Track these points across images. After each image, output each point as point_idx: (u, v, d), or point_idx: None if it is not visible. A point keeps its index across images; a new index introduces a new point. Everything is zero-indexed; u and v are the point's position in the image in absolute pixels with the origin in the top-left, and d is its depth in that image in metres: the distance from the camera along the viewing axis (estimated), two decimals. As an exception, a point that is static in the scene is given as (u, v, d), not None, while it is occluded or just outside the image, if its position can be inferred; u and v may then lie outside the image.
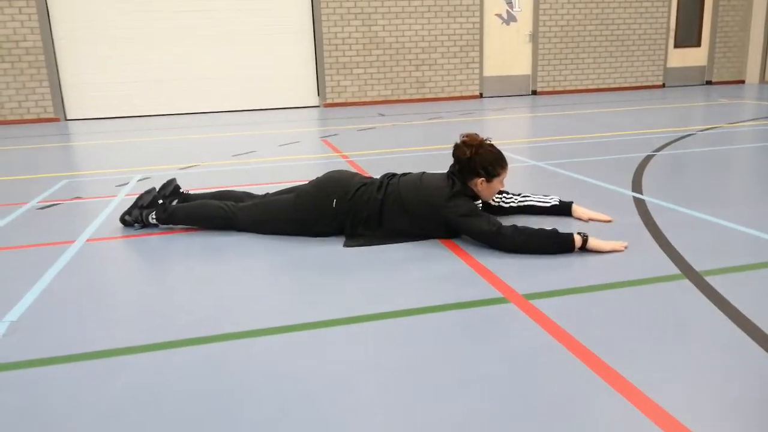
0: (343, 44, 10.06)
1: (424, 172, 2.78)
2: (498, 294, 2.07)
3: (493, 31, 10.73)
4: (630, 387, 1.47)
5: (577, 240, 2.44)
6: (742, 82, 11.95)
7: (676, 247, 2.47)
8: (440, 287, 2.17)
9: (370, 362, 1.66)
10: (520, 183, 3.76)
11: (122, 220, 3.06)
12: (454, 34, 10.46)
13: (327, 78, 10.11)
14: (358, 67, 10.20)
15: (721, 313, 1.86)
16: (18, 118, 9.18)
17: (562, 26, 10.93)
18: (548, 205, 2.97)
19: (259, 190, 3.20)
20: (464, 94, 10.71)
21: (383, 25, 10.14)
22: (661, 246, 2.50)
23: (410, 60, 10.37)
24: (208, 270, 2.46)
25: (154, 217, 3.00)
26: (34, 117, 9.23)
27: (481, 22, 10.56)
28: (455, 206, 2.56)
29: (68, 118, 9.45)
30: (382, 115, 8.57)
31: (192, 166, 4.87)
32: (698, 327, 1.79)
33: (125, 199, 3.72)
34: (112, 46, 9.34)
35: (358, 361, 1.66)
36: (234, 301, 2.13)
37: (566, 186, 3.68)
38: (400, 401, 1.46)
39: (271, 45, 9.86)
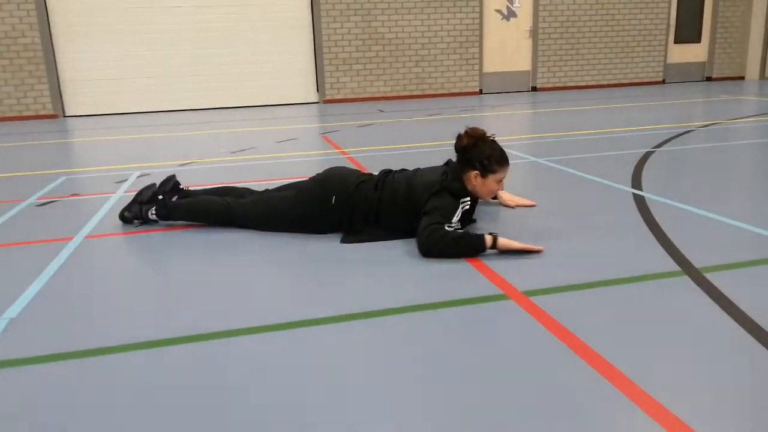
0: (343, 40, 10.04)
1: (419, 168, 2.77)
2: (497, 291, 2.07)
3: (492, 26, 10.71)
4: (629, 384, 1.47)
5: (488, 240, 2.39)
6: (743, 78, 11.94)
7: (675, 243, 2.47)
8: (439, 284, 2.16)
9: (368, 360, 1.65)
10: (519, 180, 3.76)
11: (122, 216, 3.05)
12: (454, 30, 10.43)
13: (326, 74, 10.10)
14: (357, 63, 10.18)
15: (721, 310, 1.86)
16: (17, 114, 9.17)
17: (562, 22, 10.91)
18: None
19: (258, 186, 3.20)
20: (464, 90, 10.69)
21: (383, 21, 10.12)
22: (660, 242, 2.49)
23: (410, 56, 10.35)
24: (206, 267, 2.45)
25: (154, 212, 2.99)
26: (33, 113, 9.21)
27: (481, 18, 10.53)
28: (430, 201, 2.50)
29: (67, 114, 9.44)
30: (382, 111, 8.56)
31: (191, 163, 4.86)
32: (698, 324, 1.78)
33: (124, 195, 3.71)
34: (110, 43, 9.32)
35: (356, 358, 1.66)
36: (232, 298, 2.13)
37: (565, 182, 3.67)
38: (398, 399, 1.46)
39: (271, 41, 9.84)
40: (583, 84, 11.27)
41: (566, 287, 2.08)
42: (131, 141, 6.49)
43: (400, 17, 10.17)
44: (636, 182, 3.57)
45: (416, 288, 2.14)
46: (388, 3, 10.07)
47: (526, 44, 10.94)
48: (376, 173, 2.85)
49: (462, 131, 2.64)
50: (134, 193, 3.14)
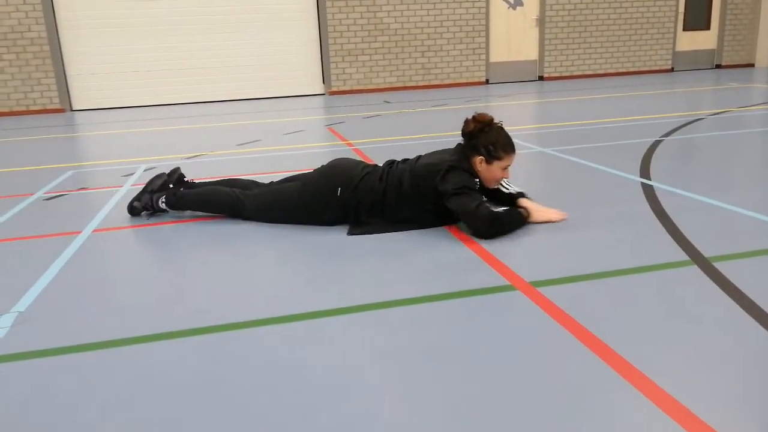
0: (348, 31, 10.00)
1: (420, 155, 2.76)
2: (505, 281, 2.06)
3: (499, 16, 10.63)
4: (638, 374, 1.46)
5: (525, 215, 2.62)
6: (752, 65, 11.81)
7: (684, 232, 2.45)
8: (446, 275, 2.16)
9: (375, 351, 1.65)
10: (526, 170, 3.74)
11: (130, 207, 3.06)
12: (460, 20, 10.36)
13: (332, 65, 10.06)
14: (363, 54, 10.14)
15: (731, 299, 1.84)
16: (24, 109, 9.21)
17: (569, 10, 10.81)
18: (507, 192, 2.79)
19: (264, 178, 3.20)
20: (470, 80, 10.64)
21: (388, 11, 10.06)
22: (669, 232, 2.47)
23: (416, 46, 10.30)
24: (215, 259, 2.46)
25: (164, 201, 3.00)
26: (40, 108, 9.25)
27: (487, 7, 10.45)
28: (447, 180, 2.51)
29: (74, 108, 9.47)
30: (388, 102, 8.53)
31: (197, 156, 4.87)
32: (707, 313, 1.77)
33: (131, 189, 3.72)
34: (116, 36, 9.33)
35: (363, 349, 1.66)
36: (240, 290, 2.13)
37: (573, 172, 3.65)
38: (406, 390, 1.46)
39: (276, 33, 9.82)
40: (591, 73, 11.18)
41: (574, 277, 2.07)
42: (138, 134, 6.51)
43: (406, 7, 10.11)
44: (644, 172, 3.54)
45: (423, 279, 2.13)
46: (394, -7, 10.01)
47: (533, 33, 10.85)
48: (380, 164, 2.84)
49: (469, 117, 2.63)
50: (141, 187, 3.15)
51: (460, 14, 10.33)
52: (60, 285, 2.24)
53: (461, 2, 10.29)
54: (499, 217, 2.49)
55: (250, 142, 5.42)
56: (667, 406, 1.34)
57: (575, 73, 11.12)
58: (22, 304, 2.07)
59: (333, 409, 1.39)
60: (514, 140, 2.68)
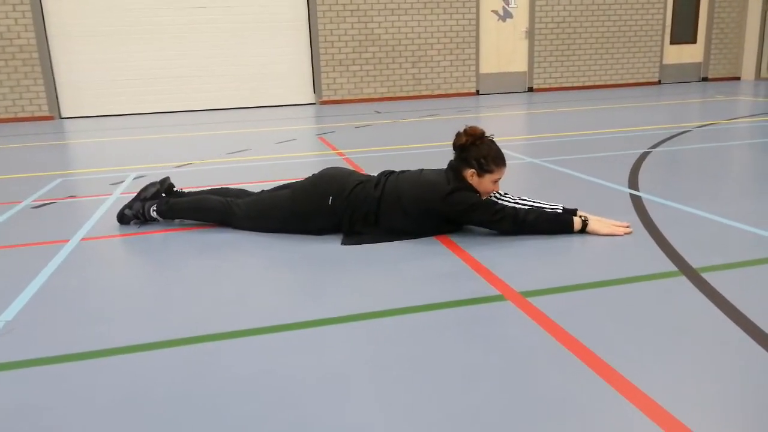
0: (339, 41, 10.04)
1: (423, 169, 2.77)
2: (495, 292, 2.07)
3: (489, 27, 10.73)
4: (627, 384, 1.47)
5: (577, 224, 2.60)
6: (738, 78, 11.98)
7: (672, 243, 2.47)
8: (438, 285, 2.16)
9: (366, 361, 1.65)
10: (516, 181, 3.76)
11: (120, 215, 3.04)
12: (450, 31, 10.44)
13: (323, 75, 10.09)
14: (354, 64, 10.18)
15: (718, 309, 1.86)
16: (12, 116, 9.14)
17: (558, 23, 10.93)
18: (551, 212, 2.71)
19: (255, 187, 3.19)
20: (460, 91, 10.70)
21: (379, 22, 10.12)
22: (657, 243, 2.50)
23: (406, 57, 10.36)
24: (204, 268, 2.44)
25: (155, 209, 2.98)
26: (29, 115, 9.18)
27: (477, 19, 10.55)
28: (455, 203, 2.56)
29: (63, 116, 9.41)
30: (379, 112, 8.55)
31: (187, 164, 4.85)
32: (695, 324, 1.78)
33: (120, 197, 3.70)
34: (106, 44, 9.31)
35: (355, 359, 1.66)
36: (230, 299, 2.12)
37: (562, 183, 3.68)
38: (396, 400, 1.45)
39: (267, 42, 9.83)
40: (579, 85, 11.29)
41: (564, 288, 2.08)
42: (127, 143, 6.48)
43: (397, 18, 10.17)
44: (633, 183, 3.57)
45: (414, 289, 2.13)
46: (384, 4, 10.07)
47: (523, 45, 10.96)
48: (374, 174, 2.85)
49: (461, 130, 2.65)
50: (130, 196, 3.13)
51: (451, 26, 10.42)
52: (47, 294, 2.21)
53: (451, 14, 10.37)
54: (519, 215, 2.57)
55: (241, 151, 5.42)
56: (657, 415, 1.34)
57: (564, 85, 11.22)
58: (9, 313, 2.04)
59: (323, 420, 1.39)
60: (504, 151, 2.70)
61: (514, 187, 3.44)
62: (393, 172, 2.81)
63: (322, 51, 9.99)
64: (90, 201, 3.70)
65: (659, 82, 11.63)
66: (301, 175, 3.35)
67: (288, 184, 2.98)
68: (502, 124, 6.94)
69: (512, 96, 10.45)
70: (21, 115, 9.16)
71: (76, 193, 3.98)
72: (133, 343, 1.80)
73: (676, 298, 1.96)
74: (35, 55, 9.00)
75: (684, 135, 5.31)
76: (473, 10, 10.44)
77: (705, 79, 11.89)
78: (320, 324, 1.88)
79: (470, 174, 2.61)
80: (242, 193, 3.05)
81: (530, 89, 11.12)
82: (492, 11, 10.66)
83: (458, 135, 2.64)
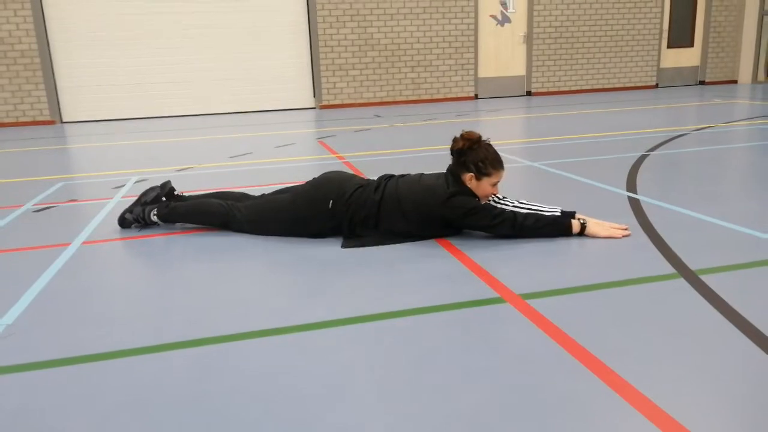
0: (339, 46, 10.07)
1: (422, 174, 2.79)
2: (494, 294, 2.08)
3: (487, 32, 10.76)
4: (626, 385, 1.48)
5: (575, 226, 2.61)
6: (735, 81, 12.02)
7: (670, 245, 2.49)
8: (437, 287, 2.17)
9: (366, 363, 1.66)
10: (514, 184, 3.78)
11: (121, 219, 3.06)
12: (449, 36, 10.48)
13: (323, 80, 10.12)
14: (353, 69, 10.21)
15: (716, 311, 1.88)
16: (14, 121, 9.16)
17: (556, 27, 10.97)
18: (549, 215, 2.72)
19: (255, 191, 3.21)
20: (459, 95, 10.74)
21: (378, 27, 10.16)
22: (656, 245, 2.51)
23: (405, 61, 10.39)
24: (204, 272, 2.46)
25: (155, 213, 3.00)
26: (30, 120, 9.20)
27: (476, 24, 10.59)
28: (454, 207, 2.58)
29: (64, 120, 9.43)
30: (378, 116, 8.58)
31: (188, 168, 4.87)
32: (694, 326, 1.80)
33: (121, 201, 3.71)
34: (107, 49, 9.33)
35: (355, 362, 1.67)
36: (230, 302, 2.13)
37: (561, 186, 3.69)
38: (396, 402, 1.47)
39: (267, 47, 9.86)
40: (577, 88, 11.32)
41: (563, 290, 2.09)
42: (128, 147, 6.49)
43: (396, 23, 10.21)
44: (631, 185, 3.59)
45: (414, 291, 2.15)
46: (384, 9, 10.12)
47: (521, 49, 11.00)
48: (373, 178, 2.86)
49: (458, 134, 2.67)
50: (131, 199, 3.14)
51: (449, 30, 10.46)
52: (48, 298, 2.23)
53: (450, 19, 10.41)
54: (517, 218, 2.58)
55: (242, 155, 5.43)
56: (655, 417, 1.36)
57: (562, 89, 11.26)
58: (10, 316, 2.05)
59: (325, 421, 1.40)
60: (503, 155, 2.72)
61: (512, 190, 3.45)
62: (393, 176, 2.82)
63: (322, 56, 10.02)
64: (91, 205, 3.72)
65: (657, 86, 11.67)
66: (301, 178, 3.37)
67: (289, 187, 3.00)
68: (502, 127, 6.96)
69: (511, 100, 10.48)
70: (22, 119, 9.18)
71: (77, 196, 3.99)
72: (134, 346, 1.81)
73: (674, 301, 1.98)
74: (36, 60, 9.03)
75: (682, 138, 5.33)
76: (472, 15, 10.48)
77: (702, 83, 11.92)
78: (321, 326, 1.89)
79: (469, 178, 2.63)
80: (243, 197, 3.07)
81: (528, 93, 11.15)
82: (490, 16, 10.70)
83: (455, 140, 2.67)
